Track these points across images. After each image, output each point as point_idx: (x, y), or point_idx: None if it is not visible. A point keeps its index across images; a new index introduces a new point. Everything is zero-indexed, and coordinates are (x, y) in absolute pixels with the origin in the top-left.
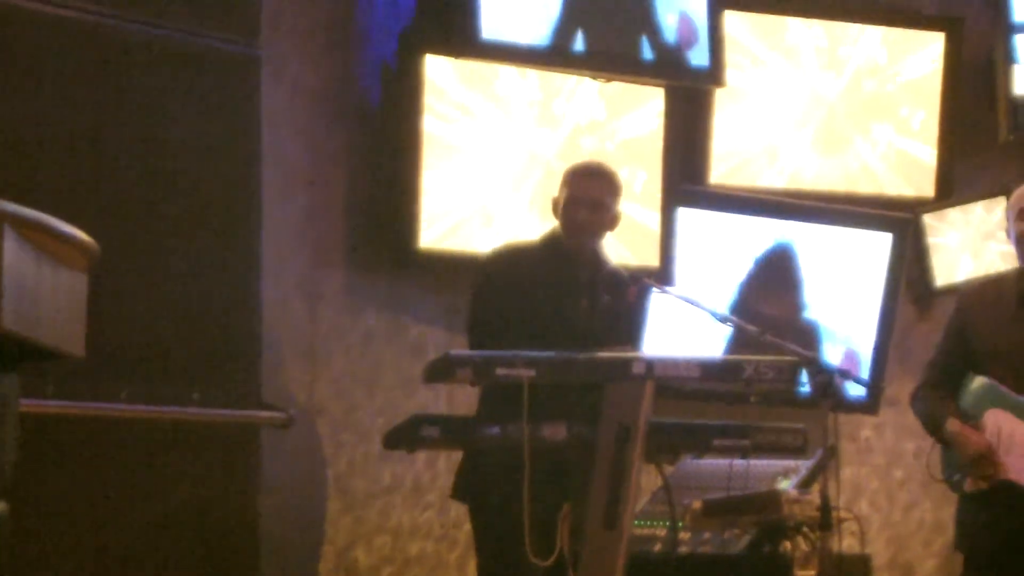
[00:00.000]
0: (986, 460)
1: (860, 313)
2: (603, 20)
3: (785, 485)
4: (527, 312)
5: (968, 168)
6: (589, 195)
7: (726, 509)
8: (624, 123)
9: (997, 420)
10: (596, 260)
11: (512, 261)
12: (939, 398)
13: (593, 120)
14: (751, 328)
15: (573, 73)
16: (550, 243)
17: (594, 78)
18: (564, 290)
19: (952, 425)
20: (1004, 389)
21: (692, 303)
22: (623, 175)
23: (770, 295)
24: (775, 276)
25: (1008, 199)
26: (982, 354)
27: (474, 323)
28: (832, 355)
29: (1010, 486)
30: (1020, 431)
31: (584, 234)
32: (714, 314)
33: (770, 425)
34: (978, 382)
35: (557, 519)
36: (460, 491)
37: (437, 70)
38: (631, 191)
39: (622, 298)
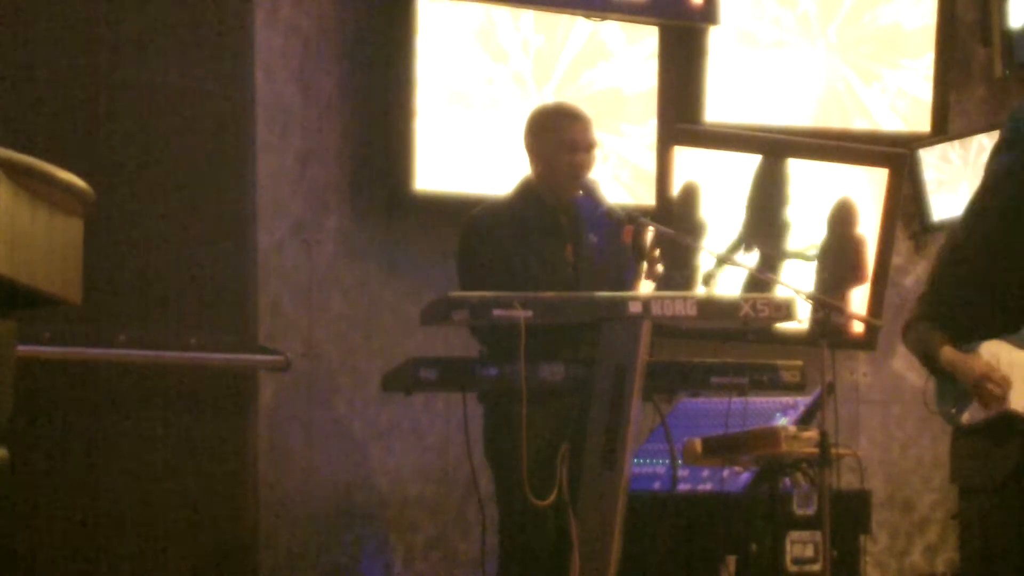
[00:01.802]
0: (990, 379)
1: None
2: None
3: (784, 422)
4: (516, 267)
5: (964, 103)
6: (586, 139)
7: (725, 447)
8: (618, 62)
9: (994, 350)
10: (590, 198)
11: (493, 221)
12: (931, 329)
13: (587, 59)
14: (747, 266)
15: (567, 13)
16: (526, 194)
17: (588, 17)
18: (548, 239)
19: (947, 353)
20: None
21: (688, 242)
22: (619, 114)
23: (761, 230)
24: (763, 207)
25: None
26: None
27: (466, 289)
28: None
29: (1008, 417)
30: (1018, 360)
31: (585, 176)
32: (710, 253)
33: (768, 362)
34: None
35: (556, 459)
36: (488, 450)
37: (430, 11)
38: (628, 130)
39: (616, 237)
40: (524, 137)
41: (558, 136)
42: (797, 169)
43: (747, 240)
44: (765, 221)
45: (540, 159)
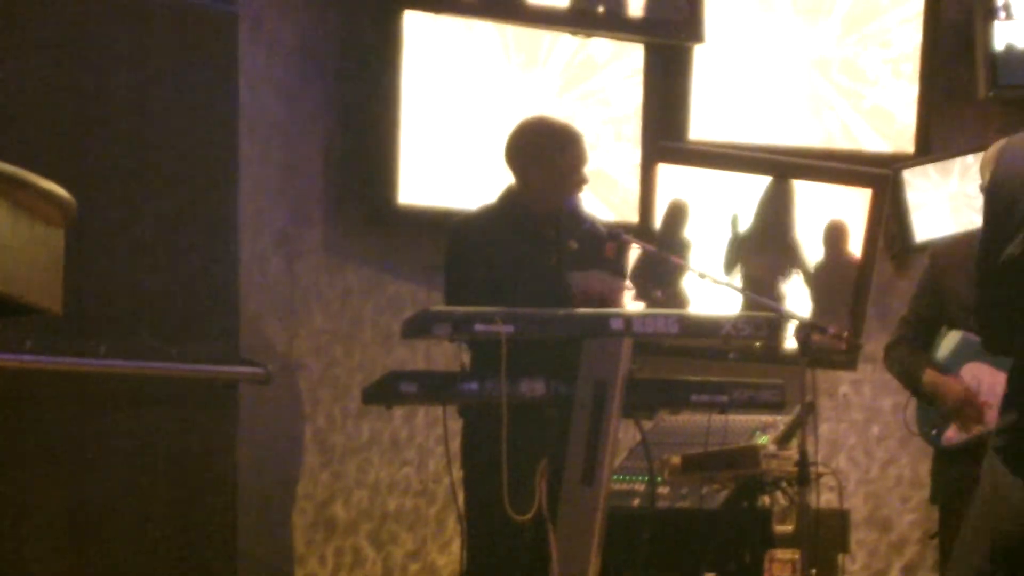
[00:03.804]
0: (970, 405)
1: (838, 269)
2: None
3: (763, 441)
4: (500, 277)
5: (947, 124)
6: (588, 156)
7: (705, 464)
8: (603, 79)
9: (976, 373)
10: (573, 214)
11: (477, 230)
12: (912, 352)
13: (572, 76)
14: (729, 284)
15: (552, 29)
16: (510, 204)
17: (573, 34)
18: (533, 247)
19: (929, 376)
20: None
21: (670, 259)
22: (603, 131)
23: (761, 250)
24: (762, 232)
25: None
26: (956, 310)
27: (452, 298)
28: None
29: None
30: (1000, 382)
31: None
32: (692, 270)
33: (748, 381)
34: (953, 336)
35: (536, 475)
36: (464, 461)
37: (416, 26)
38: (612, 147)
39: (599, 251)
40: (518, 150)
41: (571, 154)
42: (780, 188)
43: (742, 259)
44: (765, 242)
45: (542, 174)
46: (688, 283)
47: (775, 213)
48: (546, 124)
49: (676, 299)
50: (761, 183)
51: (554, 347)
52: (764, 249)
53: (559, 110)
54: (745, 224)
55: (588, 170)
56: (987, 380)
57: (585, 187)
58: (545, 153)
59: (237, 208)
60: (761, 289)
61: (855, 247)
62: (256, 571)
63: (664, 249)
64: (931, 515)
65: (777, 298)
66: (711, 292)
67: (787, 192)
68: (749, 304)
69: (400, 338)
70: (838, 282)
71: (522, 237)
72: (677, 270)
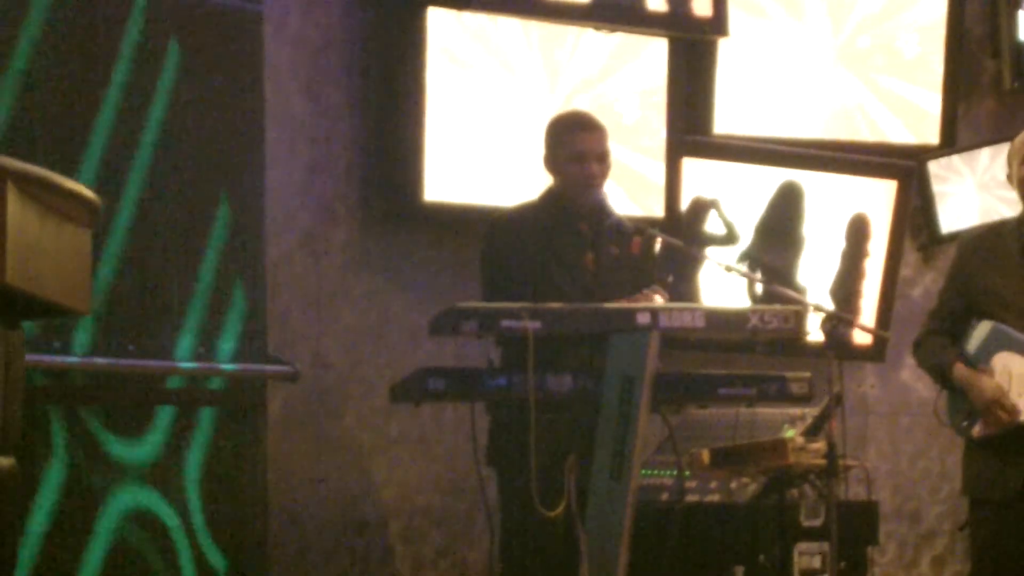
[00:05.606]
0: (1000, 404)
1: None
2: None
3: (791, 433)
4: (535, 273)
5: (972, 115)
6: (597, 148)
7: (733, 458)
8: (627, 74)
9: (1006, 363)
10: (599, 211)
11: (515, 226)
12: (942, 345)
13: (596, 71)
14: (756, 277)
15: (575, 24)
16: (550, 201)
17: (596, 29)
18: (569, 246)
19: (959, 371)
20: (1011, 331)
21: (697, 253)
22: (627, 126)
23: (774, 244)
24: (777, 224)
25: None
26: (985, 301)
27: (488, 293)
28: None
29: (1021, 429)
30: None
31: (597, 187)
32: (718, 264)
33: (775, 374)
34: (983, 326)
35: (564, 471)
36: (491, 457)
37: (440, 22)
38: (637, 142)
39: (627, 248)
40: (544, 144)
41: (567, 147)
42: (805, 180)
43: (756, 254)
44: (778, 235)
45: (553, 169)
46: (706, 276)
47: (790, 207)
48: (559, 116)
49: (690, 290)
50: (780, 176)
51: (581, 343)
52: (781, 242)
53: (583, 105)
54: (758, 218)
55: (613, 163)
56: (1018, 370)
57: (598, 180)
58: (554, 146)
59: (263, 206)
60: (781, 282)
61: (880, 239)
62: (286, 568)
63: (691, 245)
64: (960, 507)
65: (799, 290)
66: (729, 285)
67: (799, 186)
68: (774, 297)
69: (428, 335)
70: (862, 274)
71: (558, 235)
72: (697, 263)
